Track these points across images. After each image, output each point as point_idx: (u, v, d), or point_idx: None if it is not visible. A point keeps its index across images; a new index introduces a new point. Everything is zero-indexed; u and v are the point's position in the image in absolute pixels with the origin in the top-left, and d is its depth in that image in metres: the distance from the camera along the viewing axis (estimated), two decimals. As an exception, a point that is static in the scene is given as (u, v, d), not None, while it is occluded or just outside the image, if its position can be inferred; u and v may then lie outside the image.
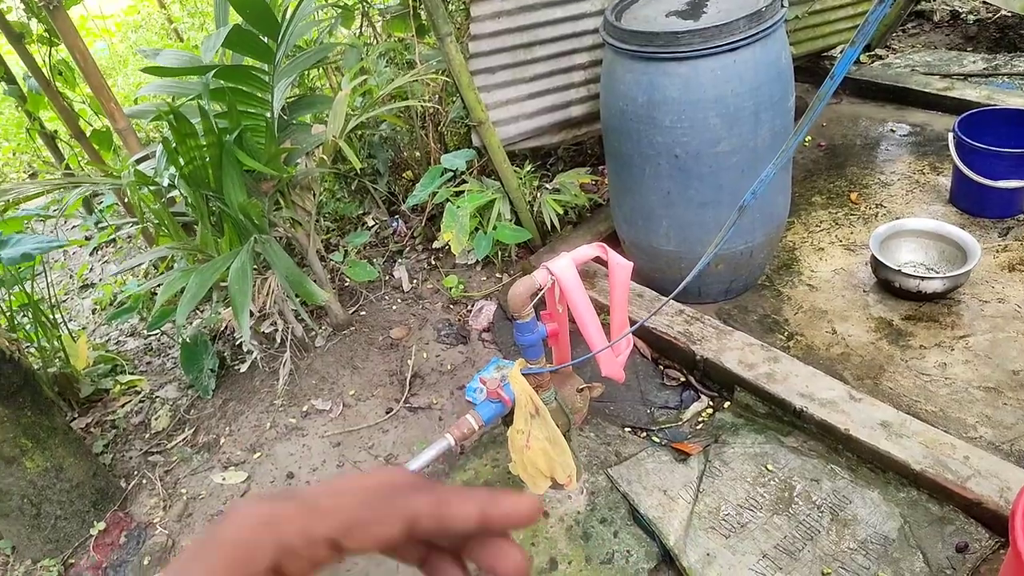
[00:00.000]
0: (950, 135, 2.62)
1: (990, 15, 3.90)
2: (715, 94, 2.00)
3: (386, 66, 3.50)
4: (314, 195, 2.59)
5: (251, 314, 2.51)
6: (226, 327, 2.92)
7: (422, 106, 3.12)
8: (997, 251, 2.51)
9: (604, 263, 1.64)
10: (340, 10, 3.54)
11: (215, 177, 2.12)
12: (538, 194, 2.95)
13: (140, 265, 3.24)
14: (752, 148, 2.13)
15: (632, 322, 2.39)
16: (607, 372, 1.64)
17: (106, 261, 4.00)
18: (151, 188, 2.23)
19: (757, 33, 1.97)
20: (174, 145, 1.97)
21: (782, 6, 2.05)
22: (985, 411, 2.03)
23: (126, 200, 3.20)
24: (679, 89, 2.03)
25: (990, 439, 1.95)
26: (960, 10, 4.05)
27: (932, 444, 1.86)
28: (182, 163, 2.03)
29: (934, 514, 1.78)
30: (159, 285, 2.31)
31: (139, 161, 2.41)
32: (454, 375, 2.57)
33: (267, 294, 2.52)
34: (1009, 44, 3.70)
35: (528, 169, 3.02)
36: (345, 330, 2.88)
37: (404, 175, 3.61)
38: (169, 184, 2.21)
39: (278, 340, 2.65)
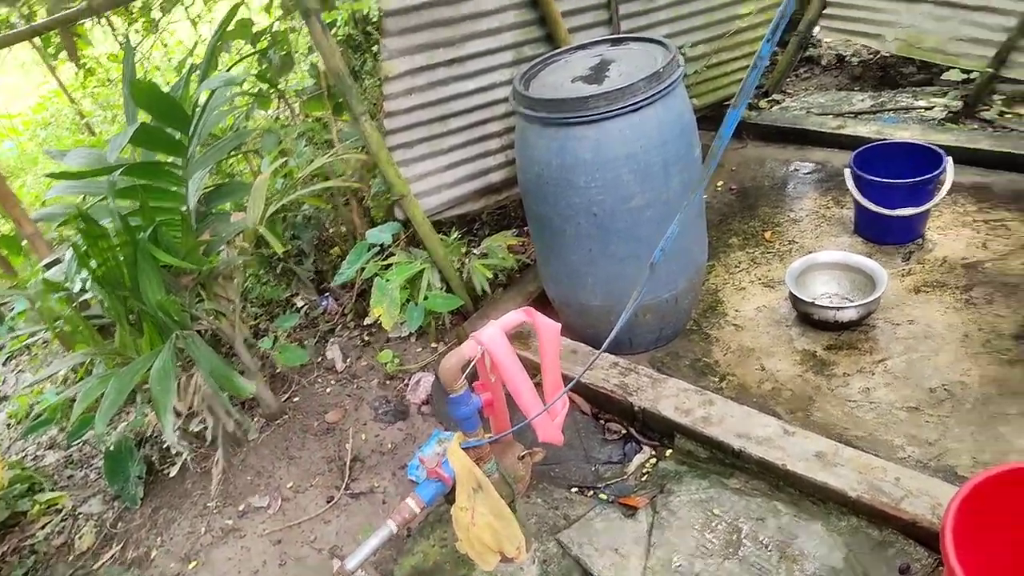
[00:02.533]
0: (847, 170, 2.79)
1: (871, 56, 4.21)
2: (625, 152, 2.08)
3: (305, 146, 3.52)
4: (237, 283, 2.54)
5: (178, 414, 2.42)
6: (152, 430, 2.79)
7: (343, 184, 3.13)
8: (902, 275, 2.65)
9: (533, 326, 1.65)
10: (255, 96, 3.56)
11: (130, 276, 2.06)
12: (467, 260, 2.98)
13: (57, 373, 3.09)
14: (665, 201, 2.21)
15: (567, 380, 2.42)
16: (544, 437, 1.64)
17: (20, 370, 3.80)
18: (60, 295, 2.15)
19: (658, 92, 2.07)
20: (84, 248, 1.92)
21: (679, 65, 2.17)
22: (910, 431, 2.11)
23: (38, 305, 3.06)
24: (590, 151, 2.10)
25: (917, 457, 2.03)
26: (844, 53, 4.36)
27: (864, 469, 1.91)
28: (94, 265, 1.97)
29: (875, 539, 1.82)
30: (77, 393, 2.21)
31: (49, 266, 2.33)
32: (395, 454, 2.52)
33: (194, 391, 2.44)
34: (891, 81, 3.99)
35: (455, 236, 3.06)
36: (279, 419, 2.79)
37: (331, 252, 3.59)
38: (81, 288, 2.14)
39: (208, 438, 2.55)
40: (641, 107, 2.05)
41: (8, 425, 3.35)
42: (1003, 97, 3.44)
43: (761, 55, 1.07)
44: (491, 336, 1.54)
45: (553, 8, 2.63)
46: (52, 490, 2.73)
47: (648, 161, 2.10)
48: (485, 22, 2.56)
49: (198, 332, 2.53)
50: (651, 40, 2.31)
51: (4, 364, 3.89)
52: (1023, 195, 2.88)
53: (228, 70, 3.59)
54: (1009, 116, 3.33)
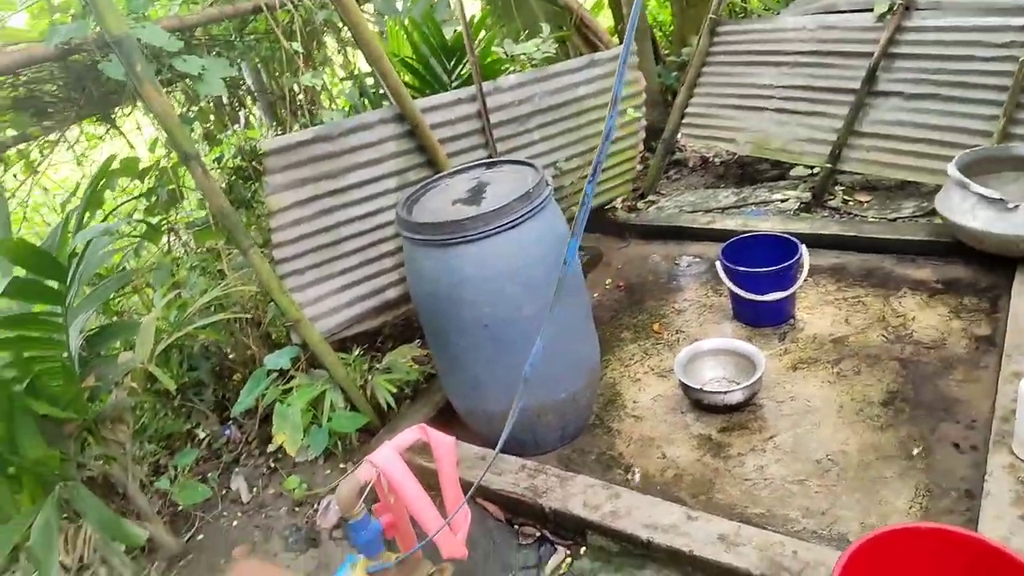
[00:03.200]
0: (717, 263, 3.03)
1: (730, 157, 4.66)
2: (506, 267, 2.21)
3: (199, 277, 3.49)
4: (128, 425, 2.44)
5: (66, 568, 2.24)
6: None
7: (239, 315, 3.12)
8: (780, 355, 2.85)
9: (428, 443, 1.68)
10: (144, 233, 3.54)
11: (7, 431, 1.96)
12: (370, 376, 2.98)
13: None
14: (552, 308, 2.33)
15: (462, 482, 2.43)
16: (448, 554, 1.64)
17: None
18: (-72, 458, 2.01)
19: (530, 210, 2.23)
20: (-47, 408, 1.82)
21: (547, 184, 2.35)
22: (803, 503, 2.22)
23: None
24: (475, 267, 2.21)
25: (812, 528, 2.13)
26: (707, 155, 4.80)
27: (765, 547, 1.99)
28: (-36, 425, 1.87)
29: (782, 615, 1.88)
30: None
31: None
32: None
33: (84, 542, 2.28)
34: (750, 178, 4.41)
35: (357, 354, 3.07)
36: (181, 561, 2.63)
37: (233, 379, 3.50)
38: (-50, 450, 2.01)
39: (102, 595, 2.37)
40: (517, 224, 2.19)
41: None
42: (843, 187, 3.88)
43: (586, 193, 1.20)
44: (385, 457, 1.56)
45: (431, 137, 2.81)
46: None
47: (531, 274, 2.24)
48: (366, 153, 2.70)
49: (89, 479, 2.40)
50: (521, 162, 2.50)
51: None
52: (873, 272, 3.20)
53: (112, 209, 3.56)
54: (851, 203, 3.74)
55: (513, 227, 2.19)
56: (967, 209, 2.84)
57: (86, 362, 2.38)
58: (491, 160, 2.64)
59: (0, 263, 2.29)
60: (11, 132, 3.27)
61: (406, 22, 3.32)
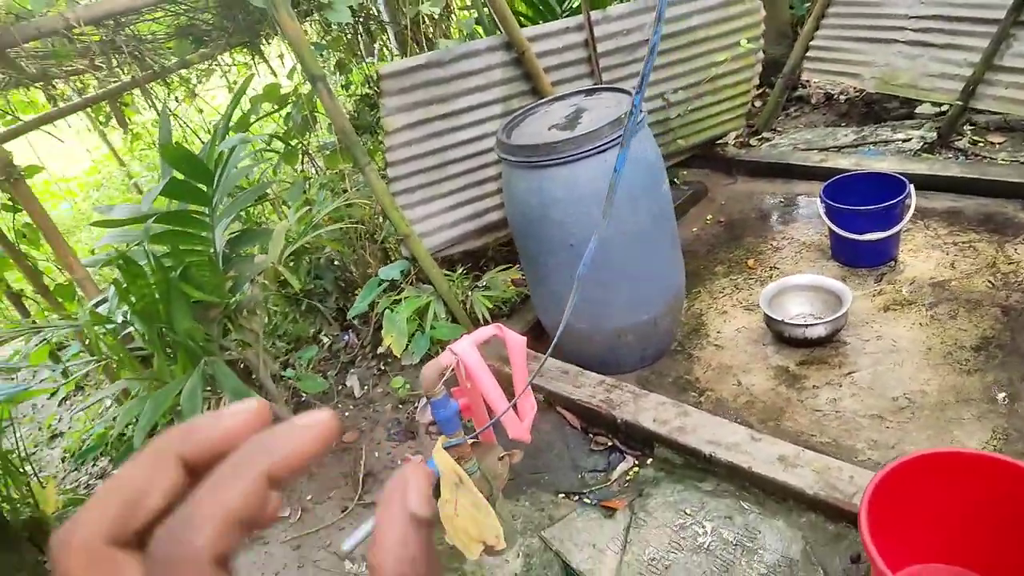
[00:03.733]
0: (818, 200, 2.99)
1: (857, 95, 4.43)
2: (591, 189, 2.33)
3: (327, 194, 3.86)
4: (260, 317, 2.84)
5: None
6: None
7: (359, 225, 3.44)
8: (873, 296, 2.82)
9: (503, 339, 1.89)
10: (282, 152, 3.93)
11: (164, 310, 2.36)
12: (470, 292, 3.23)
13: (104, 400, 3.40)
14: (636, 231, 2.45)
15: (545, 391, 2.64)
16: (514, 434, 1.86)
17: (74, 409, 4.14)
18: (107, 327, 2.46)
19: (620, 135, 2.32)
20: (124, 285, 2.23)
21: (641, 111, 2.42)
22: (872, 436, 2.26)
23: (88, 342, 3.41)
24: (563, 189, 2.36)
25: (876, 460, 2.18)
26: (832, 92, 4.58)
27: (822, 470, 2.07)
28: (133, 300, 2.28)
29: (831, 532, 1.98)
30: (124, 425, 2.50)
31: (97, 305, 2.65)
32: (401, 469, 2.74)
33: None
34: (875, 117, 4.19)
35: (460, 272, 3.32)
36: (301, 440, 3.05)
37: (354, 291, 3.89)
38: (124, 321, 2.45)
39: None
40: (606, 149, 2.30)
41: (63, 459, 3.67)
42: (973, 127, 3.62)
43: (634, 104, 1.31)
44: (464, 347, 1.78)
45: (536, 65, 2.93)
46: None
47: (616, 197, 2.34)
48: (474, 80, 2.87)
49: (229, 363, 2.82)
50: (620, 90, 2.58)
51: (59, 405, 4.25)
52: (992, 217, 3.04)
53: (246, 129, 3.95)
54: (980, 144, 3.51)
55: (602, 151, 2.31)
56: (1105, 152, 2.62)
57: (228, 259, 2.77)
58: (591, 88, 2.73)
59: (162, 170, 2.69)
60: (173, 59, 3.71)
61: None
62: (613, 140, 2.32)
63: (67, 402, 4.27)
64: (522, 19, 3.47)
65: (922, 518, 1.66)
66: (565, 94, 2.71)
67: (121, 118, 5.25)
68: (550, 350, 1.72)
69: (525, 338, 1.90)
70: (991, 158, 3.39)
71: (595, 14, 3.09)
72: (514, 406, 1.85)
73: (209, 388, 2.67)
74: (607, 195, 1.52)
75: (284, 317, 3.94)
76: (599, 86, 2.76)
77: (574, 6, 3.46)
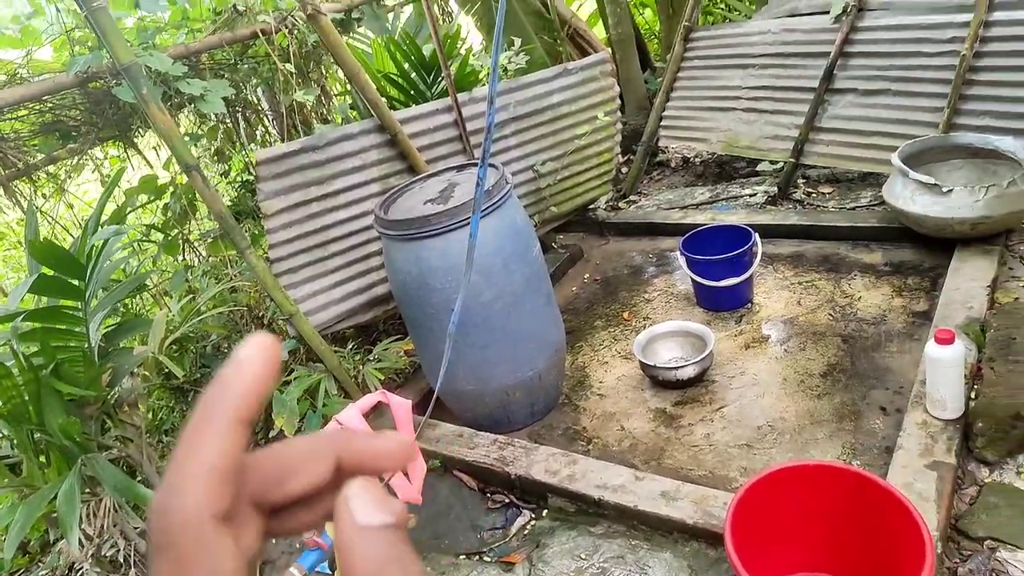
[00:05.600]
0: (678, 253, 3.27)
1: (710, 156, 4.89)
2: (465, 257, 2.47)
3: (210, 281, 3.82)
4: (142, 410, 2.76)
5: (88, 538, 2.55)
6: (72, 566, 2.87)
7: (244, 309, 3.43)
8: (735, 335, 3.08)
9: (387, 405, 1.96)
10: (161, 243, 3.88)
11: (35, 410, 2.27)
12: (362, 366, 3.27)
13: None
14: (511, 293, 2.60)
15: (453, 460, 2.69)
16: (405, 497, 1.91)
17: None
18: (-29, 435, 2.33)
19: (489, 206, 2.49)
20: (-10, 388, 2.14)
21: (507, 183, 2.62)
22: (742, 463, 2.46)
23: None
24: (439, 258, 2.49)
25: (747, 485, 2.36)
26: (688, 155, 5.03)
27: (700, 500, 2.23)
28: (0, 403, 2.18)
29: (712, 557, 2.12)
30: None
31: (-43, 413, 2.50)
32: (302, 548, 2.69)
33: (104, 515, 2.59)
34: (726, 175, 4.64)
35: (351, 346, 3.36)
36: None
37: (243, 377, 3.82)
38: (-11, 427, 2.33)
39: (122, 561, 2.67)
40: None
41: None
42: (806, 180, 4.09)
43: (480, 176, 1.46)
44: (349, 416, 1.83)
45: (409, 145, 3.10)
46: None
47: (489, 262, 2.50)
48: (350, 161, 3.00)
49: (110, 461, 2.71)
50: (489, 165, 2.77)
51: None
52: (828, 258, 3.42)
53: (125, 221, 3.89)
54: (813, 195, 3.96)
55: (472, 222, 2.46)
56: (908, 195, 3.04)
57: (105, 353, 2.70)
58: (463, 164, 2.91)
59: (29, 267, 2.63)
60: (39, 156, 3.63)
61: (388, 43, 3.62)
62: (483, 211, 2.48)
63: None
64: (394, 102, 3.66)
65: (784, 532, 1.83)
66: (438, 170, 2.88)
67: (-17, 218, 5.00)
68: (431, 405, 1.80)
69: (410, 401, 1.98)
70: (823, 206, 3.83)
71: (461, 96, 3.32)
72: (403, 469, 1.91)
73: (88, 490, 2.55)
74: (466, 260, 1.65)
75: (170, 410, 3.80)
76: (469, 162, 2.95)
77: (443, 89, 3.69)
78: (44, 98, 3.07)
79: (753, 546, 1.72)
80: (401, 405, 1.95)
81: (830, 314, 3.03)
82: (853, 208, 3.72)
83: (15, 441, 2.39)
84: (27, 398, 2.26)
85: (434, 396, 1.85)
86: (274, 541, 2.70)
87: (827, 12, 3.77)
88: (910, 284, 3.06)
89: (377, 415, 2.77)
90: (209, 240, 4.02)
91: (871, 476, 1.71)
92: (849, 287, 3.16)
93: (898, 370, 2.63)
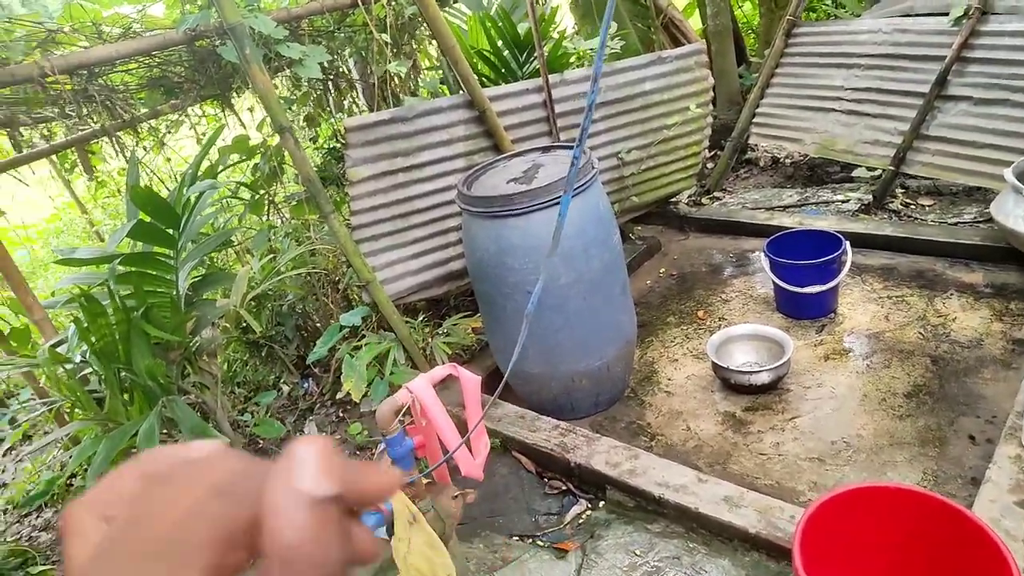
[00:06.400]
0: (761, 255, 3.16)
1: (801, 158, 4.70)
2: (548, 239, 2.44)
3: (292, 243, 3.93)
4: (220, 360, 2.86)
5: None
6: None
7: (322, 272, 3.50)
8: (814, 345, 2.96)
9: (457, 379, 1.96)
10: (248, 201, 4.00)
11: (124, 350, 2.38)
12: (431, 339, 3.30)
13: (52, 454, 3.34)
14: (589, 279, 2.56)
15: (507, 438, 2.69)
16: (466, 471, 1.91)
17: (20, 460, 4.03)
18: (65, 367, 2.47)
19: (576, 188, 2.46)
20: (85, 324, 2.25)
21: (592, 167, 2.58)
22: (812, 478, 2.36)
23: (41, 386, 3.36)
24: (519, 238, 2.47)
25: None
26: (779, 156, 4.85)
27: (764, 510, 2.16)
28: (93, 340, 2.30)
29: (772, 570, 2.05)
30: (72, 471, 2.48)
31: (54, 346, 2.65)
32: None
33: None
34: (818, 179, 4.45)
35: (421, 319, 3.39)
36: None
37: (315, 339, 3.92)
38: (81, 361, 2.46)
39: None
40: (559, 201, 2.43)
41: (5, 511, 3.55)
42: (905, 190, 3.88)
43: (575, 157, 1.43)
44: (420, 385, 1.84)
45: (496, 123, 3.09)
46: (44, 564, 2.93)
47: (570, 246, 2.47)
48: (437, 135, 3.01)
49: (187, 404, 2.82)
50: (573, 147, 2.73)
51: (4, 455, 4.13)
52: (923, 274, 3.24)
53: (214, 178, 4.03)
54: (912, 206, 3.75)
55: (555, 204, 2.43)
56: (1021, 214, 2.85)
57: (190, 302, 2.80)
58: (548, 145, 2.88)
59: (128, 214, 2.75)
60: (143, 109, 3.80)
61: (484, 18, 3.61)
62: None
63: (12, 452, 4.15)
64: (484, 79, 3.65)
65: (854, 552, 1.75)
66: (523, 151, 2.85)
67: (88, 165, 5.28)
68: (501, 385, 1.79)
69: (479, 377, 1.97)
70: (921, 219, 3.62)
71: (553, 77, 3.28)
72: (467, 443, 1.91)
73: (165, 430, 2.67)
74: (553, 239, 1.63)
75: (244, 364, 3.94)
76: (555, 144, 2.91)
77: (534, 69, 3.66)
78: (153, 53, 3.19)
79: (821, 565, 1.65)
80: (471, 380, 1.95)
81: (920, 332, 2.87)
82: (955, 223, 3.51)
83: (103, 376, 2.51)
84: (117, 337, 2.37)
85: (505, 375, 1.85)
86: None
87: (945, 14, 3.55)
88: (1012, 309, 2.87)
89: (443, 387, 2.79)
90: (293, 203, 4.11)
91: (959, 507, 1.61)
92: (944, 306, 2.99)
93: (992, 398, 2.47)
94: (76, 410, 2.73)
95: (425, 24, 4.02)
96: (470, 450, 1.94)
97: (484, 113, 3.05)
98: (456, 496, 2.13)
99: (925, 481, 2.24)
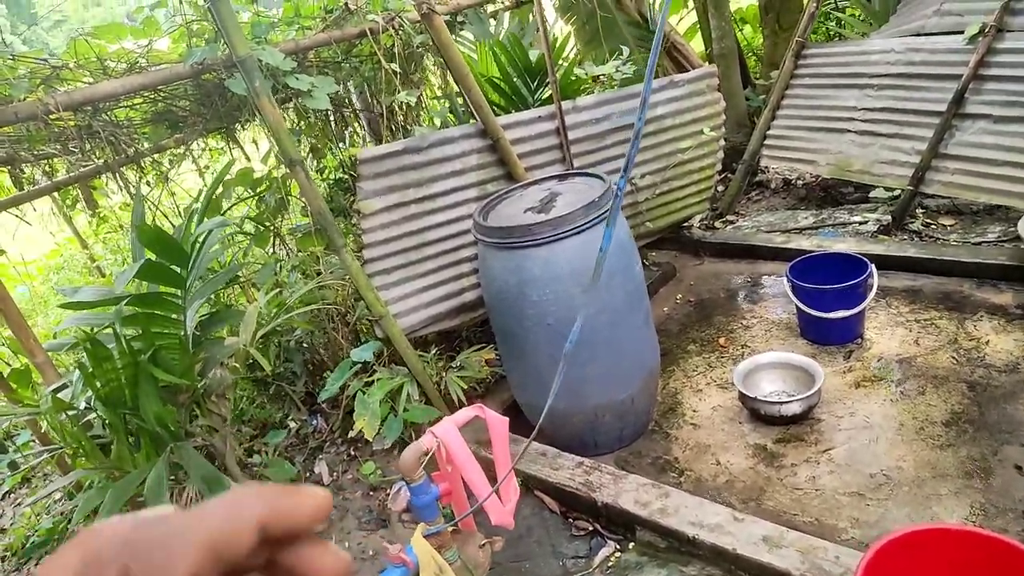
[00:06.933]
0: (784, 280, 3.08)
1: (814, 180, 4.64)
2: (570, 269, 2.37)
3: (299, 277, 3.84)
4: (229, 401, 2.76)
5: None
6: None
7: (332, 307, 3.42)
8: (844, 372, 2.87)
9: (484, 420, 1.86)
10: (253, 235, 3.93)
11: (131, 394, 2.28)
12: (444, 373, 3.20)
13: (54, 500, 3.23)
14: (614, 309, 2.48)
15: (530, 477, 2.58)
16: (496, 521, 1.80)
17: (18, 503, 3.91)
18: (68, 413, 2.37)
19: (595, 218, 2.39)
20: (90, 369, 2.16)
21: (615, 195, 2.50)
22: (853, 514, 2.25)
23: (43, 431, 3.26)
24: (540, 269, 2.39)
25: (859, 538, 2.16)
26: (790, 177, 4.80)
27: (807, 550, 2.05)
28: (99, 385, 2.20)
29: (820, 616, 1.93)
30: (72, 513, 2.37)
31: (56, 391, 2.55)
32: (375, 560, 2.63)
33: (186, 503, 2.60)
34: (832, 200, 4.39)
35: (434, 352, 3.30)
36: (267, 531, 2.91)
37: (324, 375, 3.82)
38: (86, 407, 2.36)
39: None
40: (582, 231, 2.36)
41: (3, 558, 3.42)
42: (925, 210, 3.81)
43: (618, 186, 1.35)
44: (445, 429, 1.75)
45: (510, 151, 3.02)
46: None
47: (591, 276, 2.39)
48: (450, 165, 2.94)
49: (194, 448, 2.72)
50: (592, 175, 2.67)
51: (3, 498, 4.01)
52: (949, 296, 3.15)
53: (225, 212, 3.97)
54: (933, 227, 3.68)
55: (578, 233, 2.36)
56: (1050, 234, 2.77)
57: (198, 342, 2.71)
58: (564, 173, 2.82)
59: (133, 252, 2.67)
60: (147, 144, 3.74)
61: (494, 46, 3.56)
62: (589, 222, 2.37)
63: (11, 496, 4.03)
64: (495, 108, 3.60)
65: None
66: (539, 179, 2.79)
67: (91, 201, 5.22)
68: (535, 431, 1.70)
69: (507, 419, 1.87)
70: (944, 239, 3.55)
71: (565, 104, 3.23)
72: (497, 491, 1.81)
73: (173, 477, 2.56)
74: (594, 272, 1.54)
75: (250, 402, 3.83)
76: (571, 171, 2.85)
77: (544, 96, 3.61)
78: (159, 87, 3.13)
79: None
80: (499, 421, 1.86)
81: (953, 357, 2.78)
82: (978, 243, 3.43)
83: (108, 422, 2.41)
84: (124, 382, 2.28)
85: (543, 414, 1.75)
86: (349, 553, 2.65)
87: (958, 32, 3.51)
88: (1047, 331, 2.78)
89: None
90: (299, 235, 4.04)
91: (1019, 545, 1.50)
92: (975, 329, 2.90)
93: (1036, 426, 2.37)
94: (79, 457, 2.62)
95: (433, 53, 3.99)
96: (499, 497, 1.84)
97: (498, 142, 2.99)
98: (483, 544, 2.02)
99: (974, 515, 2.13)
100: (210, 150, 5.10)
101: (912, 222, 3.74)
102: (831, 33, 5.98)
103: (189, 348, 2.49)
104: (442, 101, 4.31)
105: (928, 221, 3.73)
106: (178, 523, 0.31)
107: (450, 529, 1.86)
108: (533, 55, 3.47)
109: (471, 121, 3.20)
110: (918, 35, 3.76)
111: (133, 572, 0.29)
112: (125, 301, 2.20)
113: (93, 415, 2.48)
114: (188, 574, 0.29)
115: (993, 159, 3.34)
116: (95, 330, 2.65)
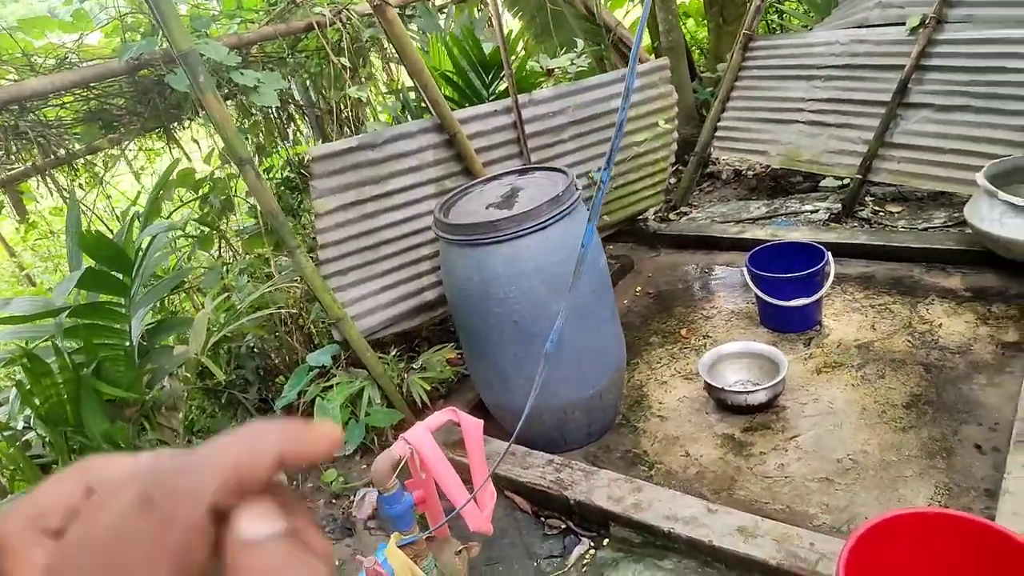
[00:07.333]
0: (744, 269, 3.10)
1: (764, 170, 4.71)
2: (534, 265, 2.33)
3: (247, 281, 3.69)
4: (181, 413, 2.62)
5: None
6: None
7: (285, 312, 3.29)
8: (805, 359, 2.90)
9: (458, 425, 1.80)
10: (197, 237, 3.76)
11: (73, 412, 2.14)
12: (406, 375, 3.12)
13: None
14: (581, 305, 2.44)
15: (498, 477, 2.53)
16: (474, 527, 1.75)
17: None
18: (5, 434, 2.20)
19: (559, 213, 2.35)
20: (28, 386, 2.01)
21: (576, 189, 2.47)
22: (823, 499, 2.28)
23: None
24: (504, 266, 2.34)
25: (831, 524, 2.18)
26: (741, 168, 4.86)
27: (782, 539, 2.05)
28: (38, 403, 2.05)
29: (798, 604, 1.94)
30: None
31: (-9, 410, 2.38)
32: (342, 571, 2.53)
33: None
34: (782, 190, 4.46)
35: (393, 353, 3.21)
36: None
37: (277, 380, 3.68)
38: (25, 426, 2.20)
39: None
40: (545, 226, 2.31)
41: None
42: (873, 198, 3.91)
43: (601, 179, 1.31)
44: (418, 435, 1.68)
45: (468, 146, 2.96)
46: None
47: (556, 272, 2.35)
48: (407, 161, 2.86)
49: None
50: (553, 169, 2.62)
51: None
52: (901, 281, 3.23)
53: (169, 216, 3.80)
54: (881, 214, 3.77)
55: (542, 228, 2.31)
56: (995, 217, 2.86)
57: (145, 352, 2.57)
58: (524, 167, 2.77)
59: (70, 260, 2.50)
60: (79, 145, 3.53)
61: (447, 39, 3.49)
62: (552, 217, 2.33)
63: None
64: (449, 102, 3.52)
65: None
66: (499, 174, 2.73)
67: (20, 207, 4.93)
68: (513, 437, 1.64)
69: (482, 422, 1.82)
70: (892, 226, 3.64)
71: (522, 97, 3.18)
72: (474, 497, 1.75)
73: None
74: (575, 269, 1.50)
75: (201, 412, 3.67)
76: (531, 166, 2.80)
77: (500, 90, 3.55)
78: (91, 85, 2.95)
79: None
80: (473, 424, 1.80)
81: (908, 340, 2.84)
82: (925, 229, 3.53)
83: (48, 440, 2.26)
84: (66, 398, 2.13)
85: (521, 419, 1.70)
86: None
87: (901, 24, 3.59)
88: (995, 312, 2.87)
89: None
90: (247, 237, 3.88)
91: (1004, 530, 1.53)
92: (928, 312, 2.97)
93: (991, 405, 2.44)
94: (17, 479, 2.45)
95: (382, 47, 3.88)
96: (476, 503, 1.78)
97: (455, 136, 2.92)
98: (460, 551, 1.96)
99: (939, 495, 2.17)
100: (146, 151, 4.88)
101: (861, 210, 3.82)
102: (773, 26, 6.09)
103: (135, 359, 2.35)
104: (389, 97, 4.21)
105: (876, 209, 3.82)
106: (200, 453, 0.31)
107: (425, 537, 1.79)
108: (487, 48, 3.41)
109: (426, 116, 3.12)
110: (861, 27, 3.84)
111: (155, 497, 0.29)
112: (66, 313, 2.06)
113: (32, 434, 2.32)
114: (214, 499, 0.29)
115: (937, 147, 3.44)
116: (32, 344, 2.48)
